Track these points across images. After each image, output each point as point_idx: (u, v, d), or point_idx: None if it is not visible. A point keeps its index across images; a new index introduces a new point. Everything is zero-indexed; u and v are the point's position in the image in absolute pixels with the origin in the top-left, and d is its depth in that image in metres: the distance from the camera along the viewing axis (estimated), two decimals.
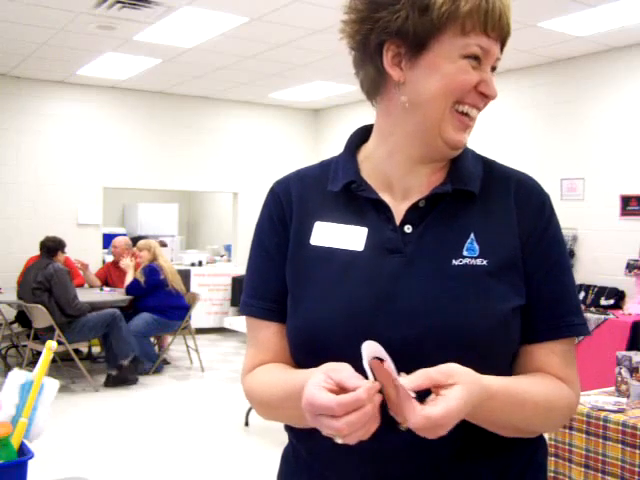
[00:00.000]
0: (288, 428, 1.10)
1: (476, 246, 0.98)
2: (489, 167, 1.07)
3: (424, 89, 0.96)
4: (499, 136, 7.11)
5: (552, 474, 2.92)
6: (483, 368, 0.88)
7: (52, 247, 5.98)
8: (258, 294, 1.07)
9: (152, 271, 6.43)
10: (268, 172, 9.18)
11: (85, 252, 7.89)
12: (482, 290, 0.95)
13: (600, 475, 2.68)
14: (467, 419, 0.87)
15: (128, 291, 6.51)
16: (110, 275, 7.21)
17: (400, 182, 1.03)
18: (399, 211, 1.01)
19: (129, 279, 6.61)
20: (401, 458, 0.96)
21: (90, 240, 8.10)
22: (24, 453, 1.16)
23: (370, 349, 0.80)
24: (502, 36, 0.97)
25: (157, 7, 5.22)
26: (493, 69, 0.99)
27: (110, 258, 8.09)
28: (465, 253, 0.97)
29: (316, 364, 0.92)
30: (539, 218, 1.01)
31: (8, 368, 6.04)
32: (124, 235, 8.07)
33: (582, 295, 6.13)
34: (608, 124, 6.14)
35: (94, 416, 5.12)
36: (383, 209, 1.01)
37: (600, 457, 2.69)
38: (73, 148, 8.01)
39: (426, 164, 1.02)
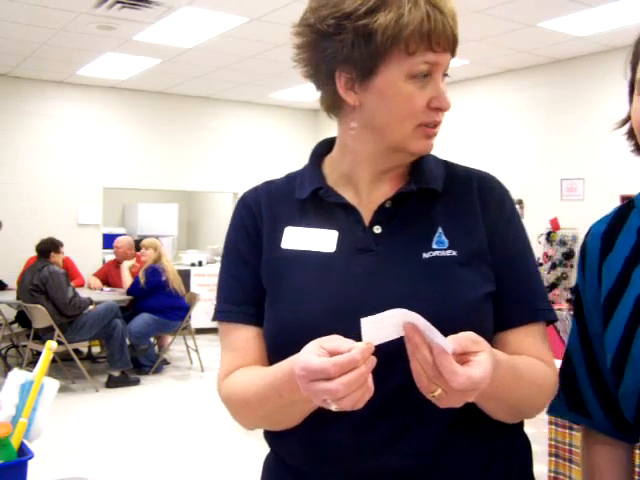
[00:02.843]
0: (267, 436, 1.10)
1: (444, 239, 1.02)
2: (450, 168, 1.11)
3: (379, 113, 0.99)
4: (499, 136, 7.11)
5: (552, 474, 2.92)
6: None
7: (44, 249, 5.97)
8: (234, 299, 1.07)
9: (154, 272, 6.43)
10: (268, 172, 9.16)
11: (85, 252, 7.90)
12: (454, 278, 0.99)
13: None
14: None
15: (129, 291, 6.52)
16: (111, 274, 7.20)
17: (366, 188, 1.06)
18: (367, 213, 1.04)
19: (127, 280, 6.62)
20: (382, 452, 0.97)
21: (90, 240, 8.10)
22: (24, 453, 1.16)
23: (397, 317, 0.81)
24: (450, 46, 0.97)
25: (157, 7, 5.22)
26: (445, 76, 1.01)
27: (110, 258, 8.10)
28: (434, 246, 1.01)
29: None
30: (502, 212, 1.06)
31: (8, 368, 6.04)
32: (124, 235, 8.05)
33: None
34: (608, 124, 6.12)
35: (94, 416, 5.12)
36: (351, 212, 1.04)
37: None
38: (73, 148, 8.01)
39: (391, 170, 1.06)
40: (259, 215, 1.10)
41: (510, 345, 1.02)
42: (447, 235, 1.02)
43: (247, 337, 1.05)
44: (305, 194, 1.07)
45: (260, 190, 1.14)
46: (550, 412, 1.14)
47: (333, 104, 1.04)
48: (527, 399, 1.00)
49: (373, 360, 0.80)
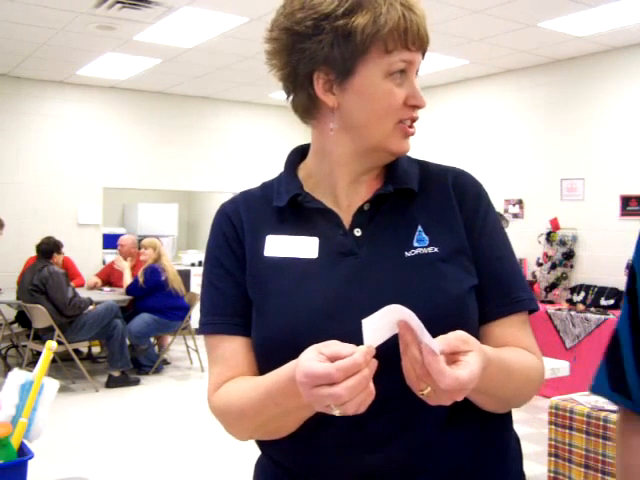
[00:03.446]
0: (259, 443, 1.10)
1: (425, 236, 1.04)
2: (424, 167, 1.12)
3: (358, 113, 1.01)
4: (499, 136, 7.11)
5: (552, 474, 2.92)
6: None
7: (46, 249, 5.97)
8: (220, 311, 1.07)
9: (153, 272, 6.42)
10: (268, 172, 9.10)
11: (85, 252, 7.90)
12: (437, 274, 1.00)
13: (600, 475, 2.68)
14: None
15: (128, 291, 6.52)
16: (113, 274, 7.20)
17: (343, 192, 1.07)
18: (346, 217, 1.06)
19: (127, 279, 6.62)
20: (376, 451, 0.97)
21: (90, 240, 8.10)
22: (24, 453, 1.16)
23: (393, 313, 0.81)
24: (423, 46, 1.01)
25: (157, 7, 5.22)
26: (415, 74, 1.03)
27: (110, 258, 8.10)
28: (416, 244, 1.03)
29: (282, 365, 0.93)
30: (478, 206, 1.08)
31: (8, 368, 6.04)
32: (125, 235, 8.04)
33: (582, 295, 6.13)
34: (608, 124, 6.14)
35: (94, 416, 5.12)
36: (331, 217, 1.05)
37: (600, 457, 2.69)
38: (73, 148, 8.01)
39: (368, 172, 1.08)
40: (240, 225, 1.10)
41: (494, 337, 1.03)
42: (427, 232, 1.04)
43: (234, 348, 1.04)
44: (283, 202, 1.07)
45: (238, 200, 1.14)
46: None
47: (309, 108, 1.06)
48: (517, 391, 1.02)
49: (375, 363, 0.81)
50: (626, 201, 5.98)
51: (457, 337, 0.84)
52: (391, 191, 1.05)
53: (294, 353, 0.88)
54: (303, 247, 1.04)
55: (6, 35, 6.06)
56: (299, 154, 1.16)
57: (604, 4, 4.98)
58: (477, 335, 1.02)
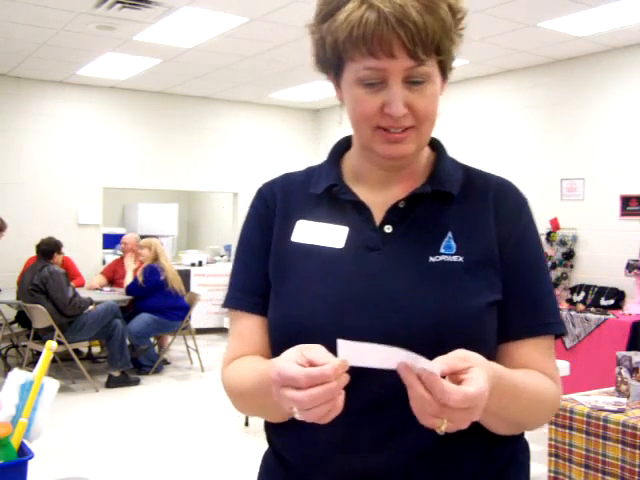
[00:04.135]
0: (266, 431, 1.12)
1: (453, 244, 1.02)
2: (469, 172, 1.10)
3: (349, 111, 1.01)
4: (499, 136, 7.11)
5: (552, 474, 2.92)
6: None
7: (47, 250, 5.96)
8: (243, 288, 1.10)
9: (152, 272, 6.42)
10: (268, 172, 9.13)
11: (85, 252, 7.90)
12: (456, 285, 0.98)
13: (600, 475, 2.68)
14: None
15: (128, 291, 6.52)
16: (117, 272, 7.20)
17: (378, 187, 1.07)
18: (379, 212, 1.05)
19: (129, 279, 6.61)
20: (377, 450, 0.97)
21: (90, 240, 8.10)
22: (24, 453, 1.16)
23: (379, 350, 0.79)
24: (400, 51, 0.92)
25: (157, 7, 5.22)
26: (417, 82, 0.96)
27: (111, 258, 8.10)
28: (442, 250, 1.01)
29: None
30: (517, 220, 1.05)
31: (8, 368, 6.04)
32: (127, 234, 8.04)
33: (582, 295, 6.13)
34: (608, 124, 6.14)
35: (94, 416, 5.12)
36: (363, 210, 1.05)
37: (600, 457, 2.69)
38: (73, 148, 8.01)
39: (403, 170, 1.06)
40: (273, 207, 1.11)
41: (515, 357, 1.01)
42: (456, 240, 1.02)
43: (252, 326, 1.07)
44: (320, 190, 1.08)
45: (277, 182, 1.15)
46: None
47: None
48: (528, 414, 0.99)
49: (346, 378, 0.80)
50: (626, 201, 5.98)
51: (455, 355, 0.83)
52: (428, 192, 1.03)
53: (303, 340, 0.89)
54: (331, 235, 1.04)
55: (6, 35, 6.06)
56: (344, 144, 1.15)
57: (604, 4, 4.98)
58: (491, 353, 0.99)
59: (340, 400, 0.81)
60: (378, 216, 1.04)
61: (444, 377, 0.80)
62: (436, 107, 1.00)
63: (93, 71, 7.38)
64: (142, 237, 7.84)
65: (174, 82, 7.99)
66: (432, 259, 1.00)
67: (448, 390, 0.78)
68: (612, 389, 3.02)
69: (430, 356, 0.85)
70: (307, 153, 9.43)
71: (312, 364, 0.81)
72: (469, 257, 1.01)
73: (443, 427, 0.80)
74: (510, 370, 0.95)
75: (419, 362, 0.78)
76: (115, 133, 8.28)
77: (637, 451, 2.55)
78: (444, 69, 1.00)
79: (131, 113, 8.40)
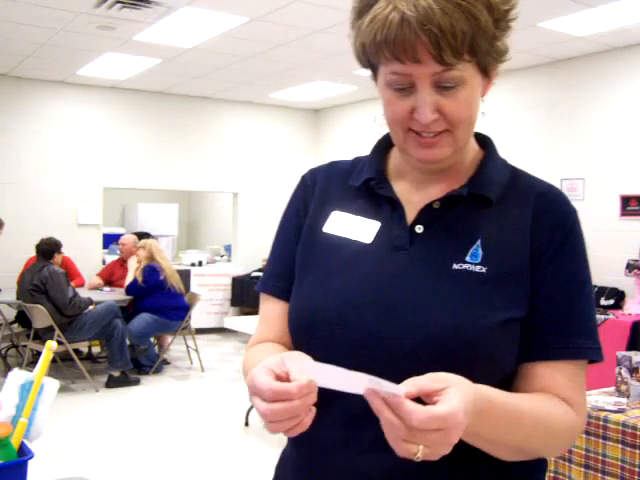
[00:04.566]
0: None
1: (480, 252, 0.97)
2: (516, 176, 1.05)
3: (384, 112, 0.98)
4: (499, 136, 7.08)
5: (552, 474, 2.92)
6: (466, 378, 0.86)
7: (48, 250, 5.96)
8: (273, 272, 1.12)
9: (151, 271, 6.42)
10: (268, 172, 9.18)
11: (85, 252, 7.90)
12: (472, 298, 0.94)
13: (600, 475, 2.68)
14: (465, 439, 0.84)
15: (127, 291, 6.52)
16: (115, 273, 7.20)
17: (420, 184, 1.04)
18: (413, 211, 1.02)
19: (129, 279, 6.61)
20: (378, 450, 0.94)
21: (90, 240, 8.10)
22: (24, 453, 1.16)
23: (343, 374, 0.77)
24: (426, 56, 0.88)
25: (157, 7, 5.22)
26: (448, 87, 0.91)
27: (110, 258, 8.10)
28: (467, 258, 0.96)
29: (307, 345, 0.97)
30: (558, 230, 0.99)
31: (8, 368, 6.04)
32: (124, 235, 8.04)
33: None
34: (608, 124, 6.14)
35: (94, 416, 5.12)
36: (397, 207, 1.02)
37: (600, 457, 2.69)
38: (73, 148, 8.01)
39: (435, 173, 1.03)
40: (311, 193, 1.11)
41: (537, 379, 0.95)
42: (485, 248, 0.97)
43: (277, 311, 1.08)
44: (358, 182, 1.07)
45: (321, 170, 1.15)
46: None
47: None
48: (535, 442, 0.93)
49: (312, 398, 0.79)
50: (626, 201, 5.98)
51: (428, 377, 0.80)
52: (464, 195, 0.99)
53: (318, 332, 0.90)
54: (362, 230, 1.03)
55: (6, 35, 6.06)
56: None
57: (604, 4, 4.98)
58: (505, 372, 0.95)
59: (308, 418, 0.80)
60: (412, 214, 1.01)
61: (419, 400, 0.77)
62: (471, 110, 0.96)
63: (93, 71, 7.38)
64: (143, 232, 7.85)
65: (174, 82, 7.99)
66: (455, 266, 0.96)
67: (411, 410, 0.74)
68: (612, 389, 3.02)
69: (430, 371, 0.83)
70: (307, 153, 9.43)
71: (287, 376, 0.80)
72: (494, 268, 0.95)
73: (419, 454, 0.76)
74: (509, 394, 0.91)
75: (383, 386, 0.75)
76: (115, 133, 8.28)
77: (637, 451, 2.55)
78: (485, 69, 0.95)
79: (131, 113, 8.40)
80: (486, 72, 0.96)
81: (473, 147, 1.07)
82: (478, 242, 0.97)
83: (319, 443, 0.99)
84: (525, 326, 0.96)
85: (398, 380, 0.83)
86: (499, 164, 1.06)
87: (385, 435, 0.77)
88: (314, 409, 0.81)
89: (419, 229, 1.00)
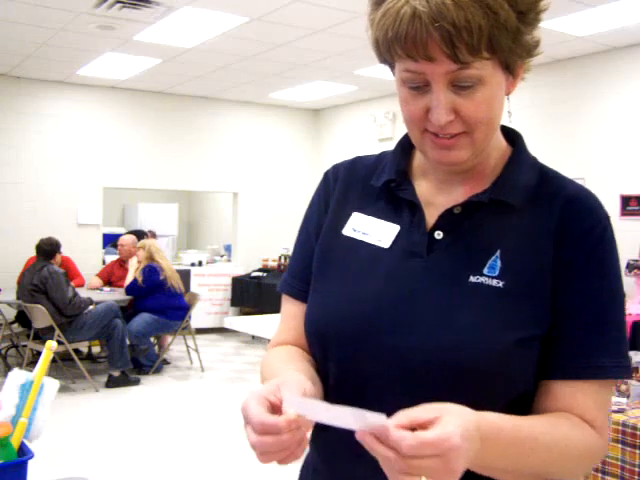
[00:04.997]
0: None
1: (498, 264, 0.91)
2: (544, 178, 0.99)
3: (401, 110, 0.94)
4: None
5: None
6: (476, 399, 0.83)
7: (48, 250, 5.95)
8: (294, 273, 1.09)
9: (151, 271, 6.41)
10: (268, 172, 9.18)
11: (85, 252, 7.90)
12: (489, 313, 0.89)
13: (600, 475, 2.68)
14: (475, 469, 0.81)
15: (127, 291, 6.51)
16: (114, 274, 7.20)
17: (443, 185, 0.99)
18: (433, 215, 0.97)
19: (129, 279, 6.61)
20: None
21: (90, 240, 8.10)
22: (24, 453, 1.16)
23: (321, 407, 0.75)
24: (437, 54, 0.82)
25: (157, 7, 5.22)
26: (465, 86, 0.86)
27: (110, 258, 8.10)
28: (485, 271, 0.91)
29: (322, 354, 0.96)
30: (586, 238, 0.92)
31: (8, 368, 6.04)
32: (123, 235, 8.05)
33: None
34: (608, 124, 6.14)
35: (94, 416, 5.12)
36: (416, 211, 0.98)
37: None
38: (73, 148, 8.01)
39: (457, 174, 0.98)
40: (333, 190, 1.08)
41: (558, 399, 0.90)
42: (504, 259, 0.91)
43: (295, 311, 1.06)
44: (379, 183, 1.02)
45: (344, 165, 1.10)
46: None
47: None
48: (550, 467, 0.87)
49: (302, 432, 0.78)
50: (626, 201, 5.98)
51: (422, 408, 0.75)
52: (485, 201, 0.93)
53: (331, 339, 0.89)
54: (381, 233, 0.99)
55: (6, 35, 6.06)
56: None
57: (604, 4, 4.98)
58: (520, 392, 0.91)
59: (299, 450, 0.78)
60: (432, 218, 0.96)
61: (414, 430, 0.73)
62: (491, 111, 0.90)
63: (93, 71, 7.38)
64: (140, 231, 7.84)
65: (174, 82, 7.99)
66: (472, 279, 0.91)
67: (400, 437, 0.69)
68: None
69: (443, 388, 0.82)
70: (307, 153, 9.42)
71: (282, 403, 0.78)
72: (512, 282, 0.90)
73: None
74: (521, 418, 0.86)
75: (368, 418, 0.70)
76: (115, 133, 8.28)
77: (637, 451, 2.55)
78: (508, 66, 0.89)
79: (131, 113, 8.40)
80: (510, 69, 0.91)
81: (500, 146, 1.01)
82: (497, 253, 0.92)
83: (341, 450, 0.97)
84: (546, 341, 0.90)
85: (411, 396, 0.81)
86: (527, 165, 1.00)
87: (385, 472, 0.73)
88: (306, 441, 0.79)
89: (438, 235, 0.95)
